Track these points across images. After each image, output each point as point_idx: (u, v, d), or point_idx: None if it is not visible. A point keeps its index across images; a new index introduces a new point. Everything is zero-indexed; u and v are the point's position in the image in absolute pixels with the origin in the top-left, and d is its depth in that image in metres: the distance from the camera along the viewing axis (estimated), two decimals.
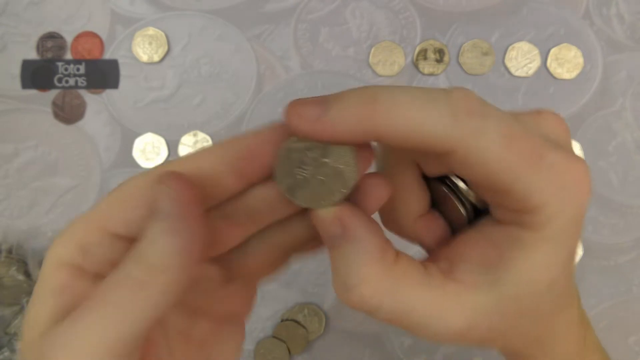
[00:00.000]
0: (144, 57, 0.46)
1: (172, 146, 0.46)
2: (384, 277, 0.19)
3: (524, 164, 0.18)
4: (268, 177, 0.20)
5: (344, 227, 0.19)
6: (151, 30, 0.46)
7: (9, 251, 0.42)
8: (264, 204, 0.21)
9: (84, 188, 0.45)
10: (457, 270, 0.20)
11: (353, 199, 0.20)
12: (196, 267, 0.18)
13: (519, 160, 0.18)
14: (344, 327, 0.44)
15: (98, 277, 0.19)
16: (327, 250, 0.20)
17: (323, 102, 0.18)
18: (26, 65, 0.46)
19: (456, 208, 0.21)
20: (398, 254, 0.20)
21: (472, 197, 0.21)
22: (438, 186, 0.21)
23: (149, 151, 0.45)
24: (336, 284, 0.19)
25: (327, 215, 0.19)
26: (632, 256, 0.45)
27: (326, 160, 0.19)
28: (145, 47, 0.46)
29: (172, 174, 0.18)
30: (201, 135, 0.45)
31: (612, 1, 0.47)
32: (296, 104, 0.18)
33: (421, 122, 0.17)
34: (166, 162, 0.20)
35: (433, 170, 0.21)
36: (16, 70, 0.46)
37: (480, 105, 0.18)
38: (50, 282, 0.19)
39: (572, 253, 0.20)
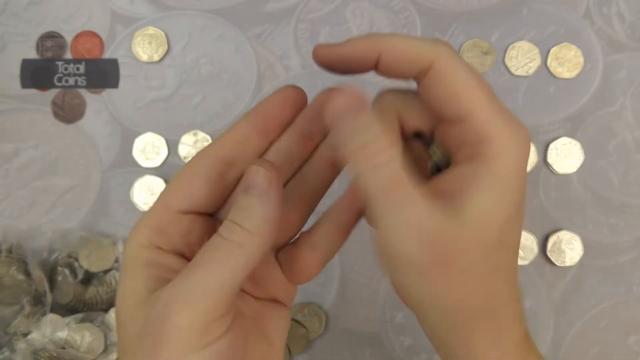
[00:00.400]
0: (144, 57, 0.46)
1: (172, 146, 0.45)
2: (392, 146, 0.22)
3: (484, 95, 0.22)
4: (283, 131, 0.25)
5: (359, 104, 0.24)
6: (151, 30, 0.46)
7: (9, 251, 0.42)
8: (284, 152, 0.25)
9: (84, 188, 0.45)
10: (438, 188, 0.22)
11: None
12: (273, 238, 0.22)
13: (480, 90, 0.22)
14: (344, 326, 0.44)
15: (174, 252, 0.23)
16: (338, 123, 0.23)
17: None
18: (26, 64, 0.46)
19: (425, 160, 0.25)
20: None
21: (439, 152, 0.24)
22: (413, 143, 0.25)
23: (149, 151, 0.45)
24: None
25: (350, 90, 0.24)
26: (632, 256, 0.45)
27: None
28: (145, 47, 0.46)
29: (264, 160, 0.23)
30: (201, 135, 0.45)
31: (613, 0, 0.47)
32: (318, 45, 0.25)
33: (409, 43, 0.23)
34: (211, 143, 0.25)
35: (412, 123, 0.25)
36: (16, 69, 0.46)
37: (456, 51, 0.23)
38: (137, 261, 0.23)
39: (519, 205, 0.22)
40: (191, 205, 0.24)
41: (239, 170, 0.25)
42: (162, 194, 0.24)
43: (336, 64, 0.25)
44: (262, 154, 0.25)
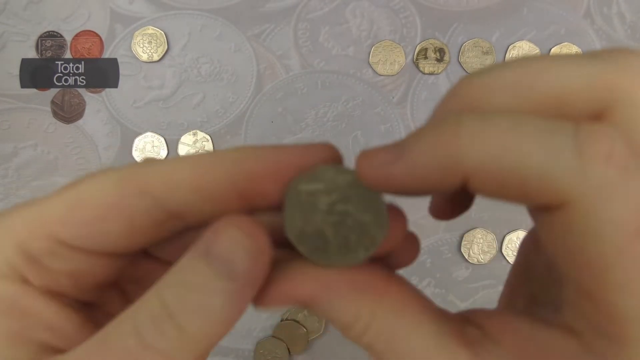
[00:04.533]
0: (144, 56, 0.46)
1: (172, 145, 0.45)
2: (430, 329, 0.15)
3: (635, 269, 0.12)
4: (274, 207, 0.16)
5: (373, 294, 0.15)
6: (151, 30, 0.46)
7: None
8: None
9: None
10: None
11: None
12: None
13: (630, 263, 0.12)
14: None
15: (47, 292, 0.15)
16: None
17: (398, 145, 0.14)
18: (25, 64, 0.46)
19: None
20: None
21: None
22: None
23: (149, 150, 0.45)
24: None
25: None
26: None
27: (348, 208, 0.16)
28: (145, 46, 0.46)
29: (249, 220, 0.14)
30: (201, 135, 0.45)
31: (613, 0, 0.47)
32: (367, 153, 0.15)
33: (527, 156, 0.12)
34: (149, 161, 0.16)
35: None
36: (15, 69, 0.46)
37: (626, 154, 0.12)
38: None
39: None
40: (87, 246, 0.15)
41: (192, 222, 0.16)
42: (46, 206, 0.15)
43: (398, 189, 0.15)
44: None
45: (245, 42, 0.46)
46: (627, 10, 0.47)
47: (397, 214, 0.16)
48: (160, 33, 0.46)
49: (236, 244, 0.14)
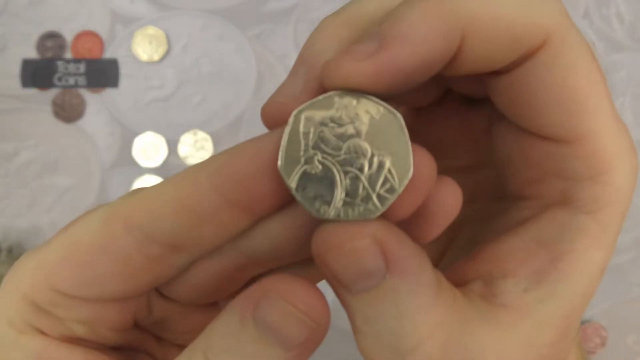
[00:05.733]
0: (144, 57, 0.46)
1: (172, 145, 0.46)
2: (451, 323, 0.13)
3: (607, 100, 0.13)
4: (277, 207, 0.14)
5: (390, 258, 0.12)
6: (151, 30, 0.46)
7: (9, 250, 0.42)
8: (270, 245, 0.14)
9: (84, 187, 0.45)
10: (498, 291, 0.14)
11: (394, 211, 0.13)
12: None
13: (603, 91, 0.13)
14: (343, 326, 0.44)
15: (67, 340, 0.15)
16: (345, 296, 0.14)
17: (370, 37, 0.12)
18: (26, 64, 0.46)
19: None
20: (450, 284, 0.14)
21: None
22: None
23: (149, 150, 0.45)
24: (379, 348, 0.13)
25: (361, 239, 0.12)
26: (631, 256, 0.45)
27: (361, 143, 0.13)
28: (145, 47, 0.46)
29: (303, 288, 0.13)
30: (201, 135, 0.45)
31: (612, 1, 0.47)
32: (340, 55, 0.12)
33: (513, 9, 0.13)
34: (134, 192, 0.14)
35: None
36: (16, 69, 0.46)
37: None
38: (20, 353, 0.15)
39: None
40: (84, 295, 0.14)
41: (193, 254, 0.14)
42: (44, 255, 0.14)
43: (380, 83, 0.12)
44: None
45: (245, 42, 0.46)
46: (625, 11, 0.47)
47: (421, 154, 0.13)
48: (161, 33, 0.46)
49: (288, 317, 0.12)
